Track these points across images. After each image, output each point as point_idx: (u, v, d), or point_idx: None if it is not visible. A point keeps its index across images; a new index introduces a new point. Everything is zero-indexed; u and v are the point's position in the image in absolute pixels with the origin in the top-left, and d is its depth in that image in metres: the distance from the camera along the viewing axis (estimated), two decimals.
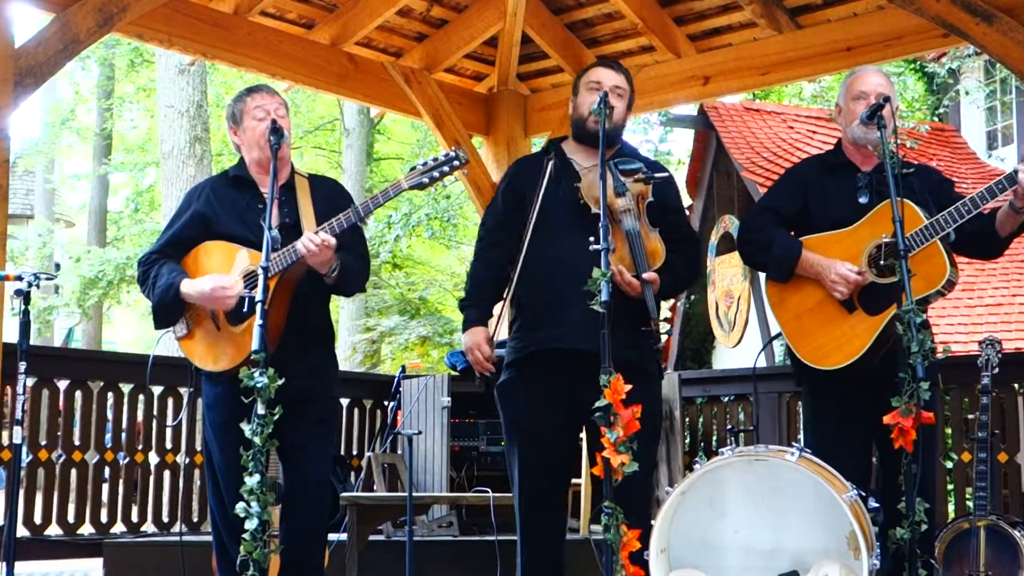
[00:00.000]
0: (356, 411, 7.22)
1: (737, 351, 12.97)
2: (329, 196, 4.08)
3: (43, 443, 5.90)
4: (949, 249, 3.87)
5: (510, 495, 4.78)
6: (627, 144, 4.20)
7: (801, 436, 6.34)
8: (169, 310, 3.95)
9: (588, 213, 3.86)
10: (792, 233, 4.15)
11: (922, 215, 3.84)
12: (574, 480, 5.66)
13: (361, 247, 4.10)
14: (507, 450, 4.10)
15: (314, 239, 3.72)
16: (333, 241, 3.74)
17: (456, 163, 3.83)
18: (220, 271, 3.92)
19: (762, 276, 4.59)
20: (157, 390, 6.27)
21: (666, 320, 3.78)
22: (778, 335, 4.15)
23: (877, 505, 3.60)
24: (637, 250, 3.77)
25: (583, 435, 4.13)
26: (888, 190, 3.91)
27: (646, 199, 3.91)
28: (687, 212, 4.27)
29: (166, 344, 5.05)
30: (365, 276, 4.15)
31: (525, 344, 3.98)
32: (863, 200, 4.04)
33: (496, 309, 4.13)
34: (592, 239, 3.53)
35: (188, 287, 3.88)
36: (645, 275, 3.72)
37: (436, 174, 3.82)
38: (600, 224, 3.50)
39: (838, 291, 3.91)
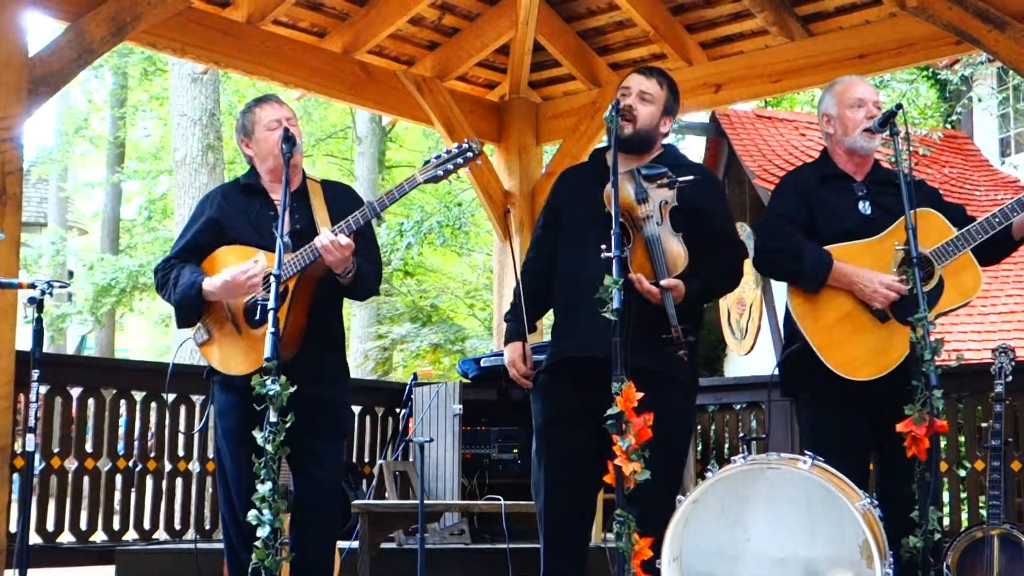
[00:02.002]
0: (368, 419, 7.22)
1: (749, 358, 12.95)
2: (343, 200, 4.09)
3: (56, 451, 5.91)
4: None
5: (522, 503, 4.78)
6: (671, 148, 4.13)
7: None
8: (191, 309, 3.97)
9: (611, 220, 3.84)
10: None
11: (951, 227, 3.83)
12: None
13: (374, 253, 4.11)
14: (534, 454, 4.10)
15: (328, 236, 3.73)
16: (346, 241, 3.75)
17: (469, 154, 3.81)
18: None
19: (775, 285, 4.55)
20: (170, 398, 6.28)
21: (689, 326, 3.74)
22: (796, 346, 4.09)
23: (881, 514, 3.59)
24: (656, 257, 3.72)
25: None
26: (887, 199, 3.94)
27: (670, 204, 3.83)
28: (727, 215, 4.18)
29: (180, 352, 5.05)
30: (377, 281, 4.16)
31: (552, 353, 4.00)
32: (865, 211, 4.02)
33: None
34: (604, 247, 3.52)
35: (210, 283, 3.90)
36: (663, 282, 3.66)
37: (450, 166, 3.81)
38: (612, 231, 3.50)
39: (878, 302, 3.88)
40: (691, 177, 3.85)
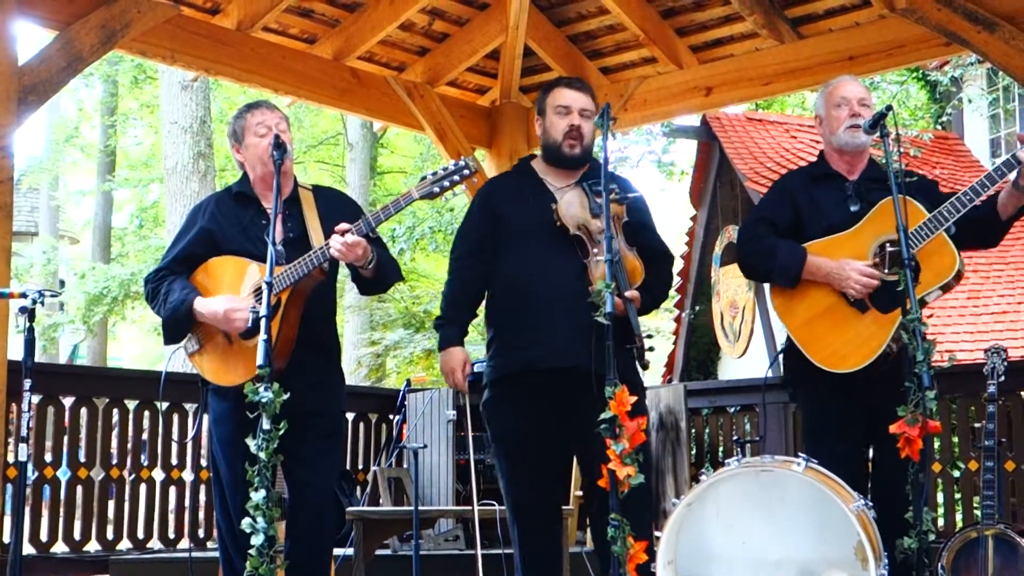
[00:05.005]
0: (361, 425, 7.20)
1: (742, 362, 12.94)
2: (335, 206, 4.09)
3: (48, 460, 5.89)
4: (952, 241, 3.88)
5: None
6: (596, 162, 4.20)
7: None
8: (180, 327, 3.96)
9: (565, 234, 3.88)
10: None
11: (923, 210, 3.85)
12: (578, 492, 5.68)
13: (382, 243, 4.11)
14: (497, 467, 4.12)
15: (337, 244, 3.72)
16: (353, 239, 3.74)
17: (466, 172, 3.83)
18: (231, 286, 3.93)
19: (766, 286, 4.58)
20: (163, 406, 6.26)
21: (650, 336, 3.82)
22: (786, 347, 4.13)
23: (874, 516, 3.60)
24: (619, 269, 3.77)
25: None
26: (877, 196, 3.99)
27: (622, 219, 3.93)
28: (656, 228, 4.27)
29: (174, 360, 5.05)
30: (398, 267, 4.18)
31: (507, 363, 4.00)
32: (854, 208, 4.06)
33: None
34: (595, 251, 3.55)
35: (201, 306, 3.88)
36: (628, 293, 3.71)
37: (446, 183, 3.82)
38: (604, 236, 3.52)
39: (853, 291, 3.91)
40: (638, 193, 3.99)
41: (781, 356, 4.23)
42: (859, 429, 4.01)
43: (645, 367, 3.75)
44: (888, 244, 3.89)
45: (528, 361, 3.92)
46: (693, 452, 6.98)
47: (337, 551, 4.98)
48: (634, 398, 3.37)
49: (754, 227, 4.24)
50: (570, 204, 3.93)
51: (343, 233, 3.75)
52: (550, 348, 3.85)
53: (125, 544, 6.11)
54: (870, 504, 3.58)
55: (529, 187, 4.08)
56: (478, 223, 4.16)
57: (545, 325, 3.87)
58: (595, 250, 3.80)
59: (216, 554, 4.13)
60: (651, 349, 3.70)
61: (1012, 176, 3.89)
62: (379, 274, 3.96)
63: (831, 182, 4.15)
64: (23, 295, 3.75)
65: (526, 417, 3.96)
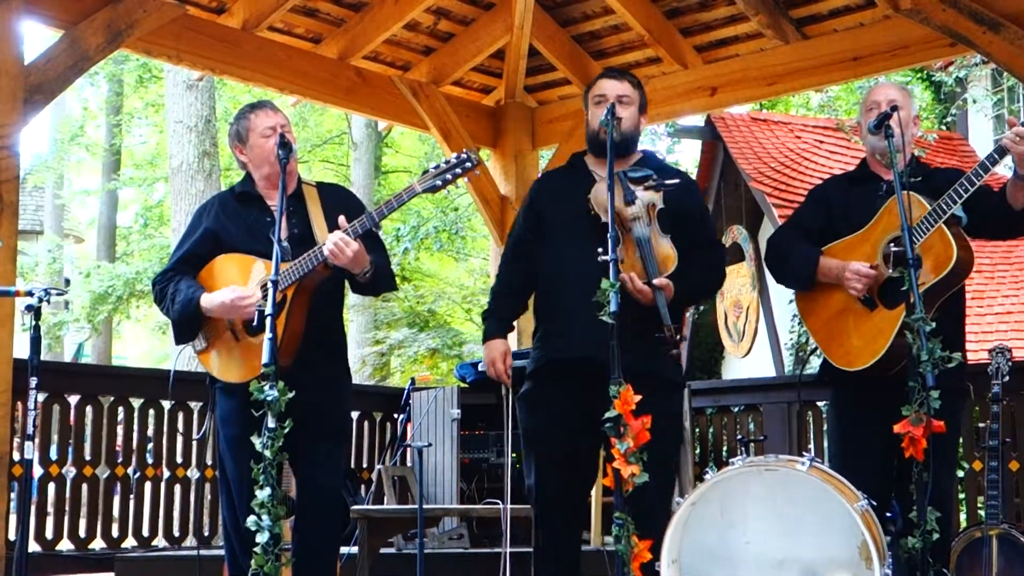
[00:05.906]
0: (366, 424, 7.22)
1: (746, 361, 12.94)
2: (339, 202, 4.10)
3: (54, 458, 5.91)
4: (960, 233, 3.89)
5: (521, 507, 4.79)
6: (648, 152, 4.22)
7: (812, 446, 6.34)
8: (190, 325, 3.98)
9: (598, 222, 3.87)
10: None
11: (926, 203, 3.86)
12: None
13: (382, 249, 4.12)
14: (524, 460, 4.11)
15: (335, 238, 3.73)
16: (355, 246, 3.75)
17: (468, 165, 3.82)
18: (238, 283, 3.94)
19: (771, 288, 4.63)
20: (167, 404, 6.27)
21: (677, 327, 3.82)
22: (815, 349, 4.18)
23: (890, 514, 3.59)
24: (647, 257, 3.76)
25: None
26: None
27: (657, 207, 3.90)
28: (710, 218, 4.29)
29: (179, 358, 5.06)
30: (393, 275, 4.20)
31: (540, 355, 4.02)
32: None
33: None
34: (600, 250, 3.54)
35: (208, 300, 3.90)
36: (656, 281, 3.69)
37: (448, 176, 3.82)
38: (608, 234, 3.52)
39: (854, 288, 3.95)
40: (676, 180, 3.94)
41: (792, 356, 4.27)
42: (883, 431, 4.00)
43: (672, 357, 3.73)
44: (893, 243, 3.90)
45: (555, 351, 3.93)
46: (697, 451, 6.99)
47: (342, 549, 4.99)
48: (638, 397, 3.35)
49: (780, 233, 4.37)
50: (602, 191, 3.92)
51: (343, 228, 3.76)
52: (572, 339, 3.85)
53: (131, 542, 6.12)
54: (875, 504, 3.58)
55: (575, 179, 4.09)
56: (521, 219, 4.22)
57: (573, 316, 3.86)
58: (623, 238, 3.78)
59: (222, 552, 4.14)
60: (683, 339, 3.68)
61: (1010, 164, 3.90)
62: (374, 282, 3.98)
63: (868, 184, 4.20)
64: (29, 293, 3.76)
65: (554, 409, 3.95)
